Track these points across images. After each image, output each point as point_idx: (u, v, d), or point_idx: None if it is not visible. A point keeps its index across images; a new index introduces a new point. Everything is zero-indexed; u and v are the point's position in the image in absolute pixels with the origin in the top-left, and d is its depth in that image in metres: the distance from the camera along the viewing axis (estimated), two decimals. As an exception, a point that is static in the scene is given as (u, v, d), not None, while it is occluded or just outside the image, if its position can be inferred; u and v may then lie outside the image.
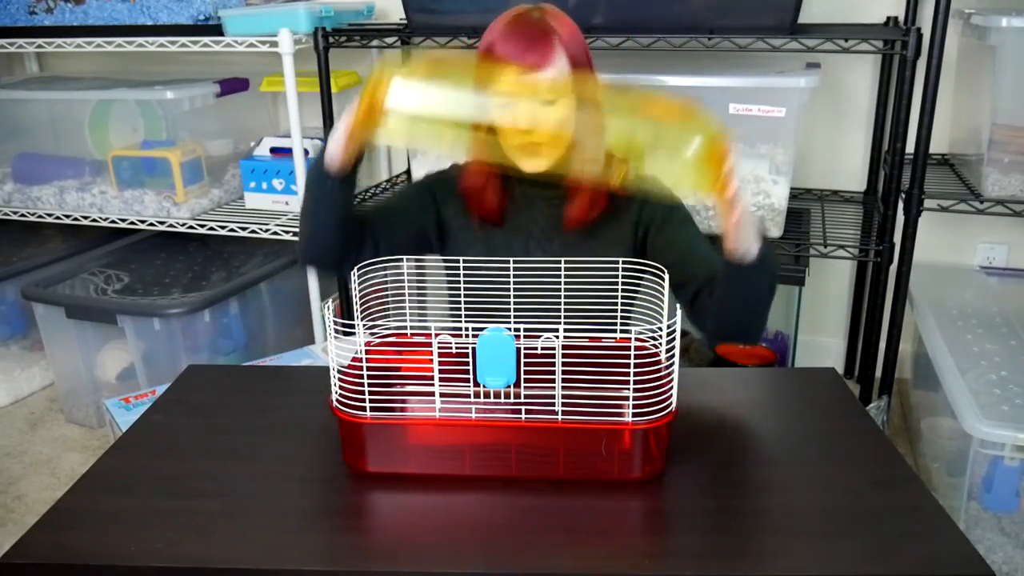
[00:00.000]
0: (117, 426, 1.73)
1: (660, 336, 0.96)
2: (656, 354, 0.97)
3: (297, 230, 1.41)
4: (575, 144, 1.25)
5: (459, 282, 1.17)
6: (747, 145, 1.78)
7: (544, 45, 1.17)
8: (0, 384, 2.39)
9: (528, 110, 1.18)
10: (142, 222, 2.21)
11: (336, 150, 1.18)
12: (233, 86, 2.28)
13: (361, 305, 1.10)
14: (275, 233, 2.09)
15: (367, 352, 1.03)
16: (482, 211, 1.31)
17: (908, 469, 1.00)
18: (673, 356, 0.96)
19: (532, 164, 1.24)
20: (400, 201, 1.39)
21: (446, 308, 1.32)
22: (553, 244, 1.32)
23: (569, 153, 1.26)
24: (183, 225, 2.17)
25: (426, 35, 1.81)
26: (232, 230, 2.13)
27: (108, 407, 1.79)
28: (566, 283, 1.16)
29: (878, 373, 1.84)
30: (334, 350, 0.97)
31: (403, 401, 1.05)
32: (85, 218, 2.25)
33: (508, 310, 1.13)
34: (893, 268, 1.72)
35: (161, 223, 2.19)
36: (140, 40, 2.04)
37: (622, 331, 1.08)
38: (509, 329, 0.95)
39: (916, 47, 1.54)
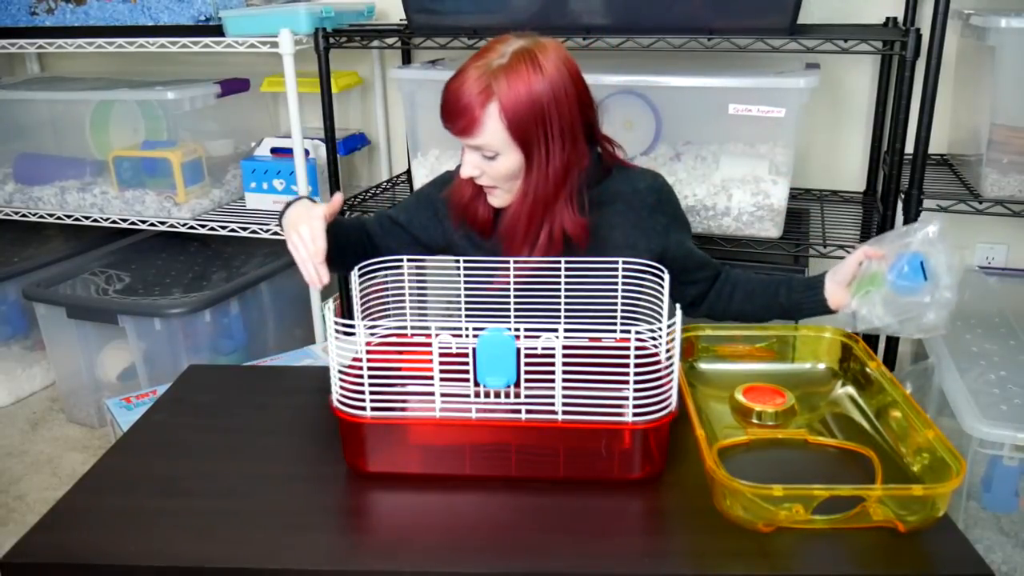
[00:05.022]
0: (118, 426, 1.73)
1: (660, 336, 0.97)
2: (656, 354, 0.97)
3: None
4: (516, 199, 1.26)
5: (459, 283, 1.17)
6: (747, 145, 1.78)
7: (467, 118, 1.18)
8: (1, 384, 2.39)
9: (469, 160, 1.23)
10: (143, 222, 2.21)
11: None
12: (234, 86, 2.28)
13: (361, 305, 1.11)
14: (276, 233, 2.09)
15: (367, 352, 1.04)
16: (474, 223, 1.32)
17: (907, 469, 1.01)
18: (673, 356, 0.97)
19: (491, 201, 1.28)
20: (403, 215, 1.40)
21: (446, 308, 1.32)
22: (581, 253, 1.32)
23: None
24: (184, 225, 2.17)
25: (426, 35, 1.81)
26: (233, 230, 2.13)
27: (109, 407, 1.80)
28: (566, 284, 1.17)
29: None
30: (334, 350, 0.97)
31: (403, 401, 1.05)
32: (86, 218, 2.26)
33: (508, 310, 1.14)
34: (893, 268, 1.72)
35: (162, 223, 2.19)
36: (141, 41, 2.04)
37: (622, 331, 1.08)
38: (509, 329, 0.96)
39: (915, 48, 1.54)
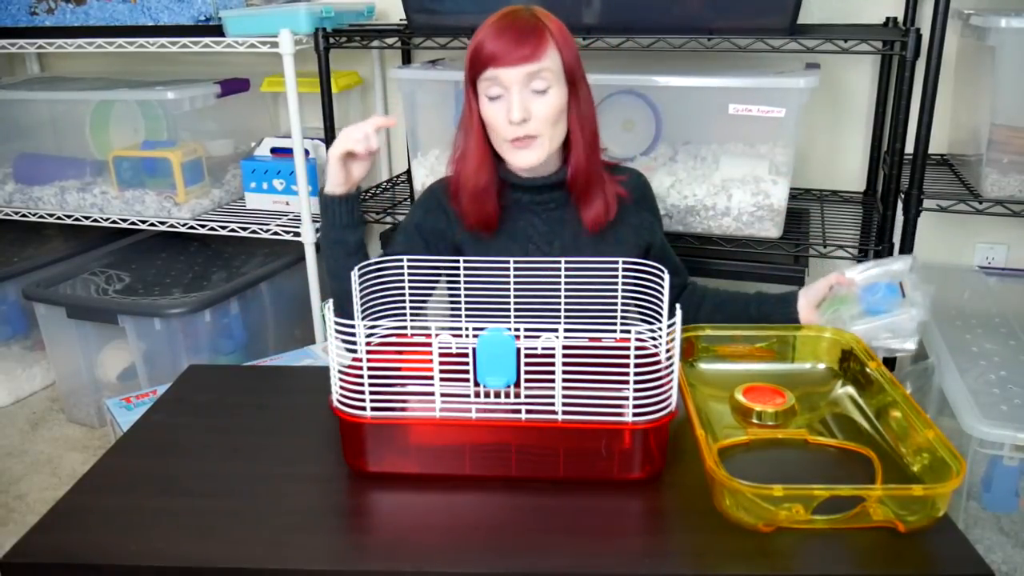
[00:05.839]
0: (118, 426, 1.73)
1: (660, 336, 0.97)
2: (656, 354, 0.97)
3: (298, 230, 1.42)
4: (573, 140, 1.27)
5: (459, 283, 1.17)
6: (747, 145, 1.78)
7: (536, 37, 1.20)
8: (1, 384, 2.39)
9: (521, 101, 1.20)
10: (143, 222, 2.21)
11: (333, 176, 1.30)
12: (234, 86, 2.28)
13: (361, 305, 1.11)
14: (276, 233, 2.09)
15: (367, 352, 1.03)
16: (476, 220, 1.31)
17: (907, 469, 1.01)
18: (673, 356, 0.97)
19: (524, 158, 1.25)
20: (399, 249, 1.37)
21: (446, 308, 1.32)
22: (553, 248, 1.32)
23: (564, 151, 1.28)
24: (184, 225, 2.17)
25: (426, 35, 1.81)
26: (233, 230, 2.13)
27: (109, 407, 1.80)
28: (566, 284, 1.17)
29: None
30: (334, 350, 0.97)
31: (403, 401, 1.05)
32: (86, 218, 2.26)
33: (508, 311, 1.14)
34: (893, 268, 1.72)
35: (162, 223, 2.19)
36: (141, 41, 2.04)
37: (622, 331, 1.08)
38: (509, 329, 0.96)
39: (915, 48, 1.54)
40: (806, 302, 1.31)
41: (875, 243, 1.70)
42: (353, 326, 0.97)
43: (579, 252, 1.31)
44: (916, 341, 1.19)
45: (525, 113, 1.21)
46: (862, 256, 1.72)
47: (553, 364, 0.93)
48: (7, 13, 2.22)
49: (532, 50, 1.19)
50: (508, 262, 1.14)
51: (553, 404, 0.94)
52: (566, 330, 0.94)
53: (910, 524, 0.88)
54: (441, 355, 0.94)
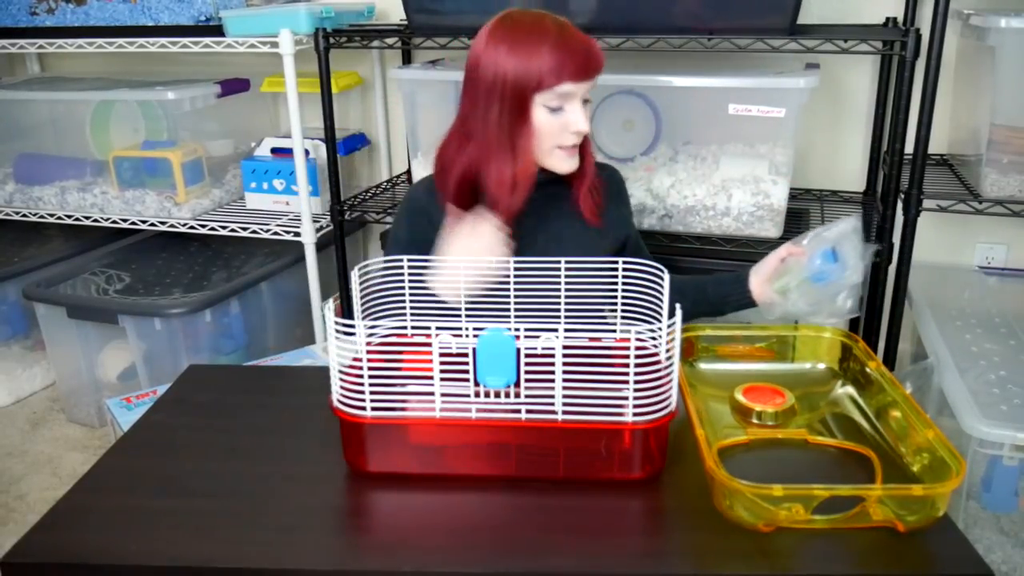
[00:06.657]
0: (118, 426, 1.74)
1: (660, 336, 0.97)
2: (656, 354, 0.97)
3: (298, 230, 1.39)
4: (585, 141, 1.33)
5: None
6: (746, 145, 1.78)
7: (597, 50, 1.25)
8: (2, 384, 2.39)
9: (584, 112, 1.26)
10: (143, 222, 2.21)
11: None
12: (234, 86, 2.28)
13: (361, 305, 1.11)
14: (276, 233, 2.09)
15: (367, 352, 1.03)
16: (512, 213, 1.30)
17: (907, 469, 1.01)
18: (673, 356, 0.97)
19: (571, 164, 1.31)
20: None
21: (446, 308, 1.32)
22: (537, 243, 1.34)
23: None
24: (184, 225, 2.17)
25: (426, 35, 1.81)
26: (233, 230, 2.13)
27: (109, 407, 1.80)
28: (565, 283, 1.17)
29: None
30: (334, 350, 0.97)
31: (403, 401, 1.05)
32: (86, 218, 2.26)
33: (507, 310, 1.14)
34: (892, 268, 1.72)
35: (162, 223, 2.19)
36: (141, 41, 2.05)
37: (622, 331, 1.08)
38: (509, 329, 0.96)
39: (915, 48, 1.54)
40: (758, 279, 1.33)
41: (875, 243, 1.70)
42: (353, 326, 0.97)
43: (561, 245, 1.32)
44: (851, 305, 1.21)
45: (588, 124, 1.27)
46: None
47: (553, 364, 0.93)
48: (7, 13, 2.22)
49: (599, 64, 1.25)
50: (508, 262, 1.14)
51: (553, 404, 0.94)
52: (566, 330, 0.94)
53: (910, 524, 0.88)
54: (441, 355, 0.94)
